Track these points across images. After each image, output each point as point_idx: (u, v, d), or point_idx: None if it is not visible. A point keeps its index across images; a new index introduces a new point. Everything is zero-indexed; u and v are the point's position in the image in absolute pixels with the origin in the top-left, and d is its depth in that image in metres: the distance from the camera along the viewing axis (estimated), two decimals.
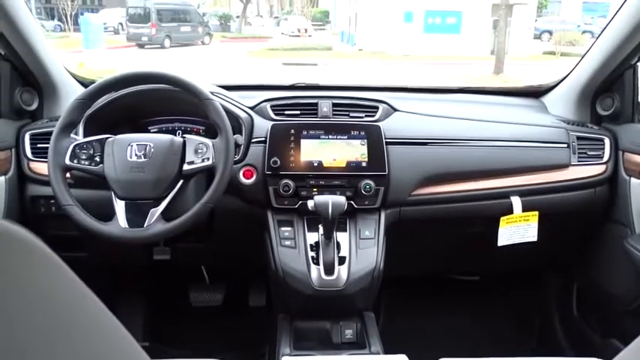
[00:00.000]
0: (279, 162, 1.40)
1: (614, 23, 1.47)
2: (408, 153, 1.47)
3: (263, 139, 1.44)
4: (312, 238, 1.38)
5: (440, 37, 16.02)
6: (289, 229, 1.40)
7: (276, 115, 1.50)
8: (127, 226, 1.22)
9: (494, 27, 14.46)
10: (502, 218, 1.50)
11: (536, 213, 1.51)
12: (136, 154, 1.24)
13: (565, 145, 1.54)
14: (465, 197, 1.50)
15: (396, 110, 1.56)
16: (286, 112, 1.52)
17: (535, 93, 1.83)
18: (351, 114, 1.52)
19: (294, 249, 1.37)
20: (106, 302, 0.39)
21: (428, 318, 2.00)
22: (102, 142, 1.26)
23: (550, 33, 18.66)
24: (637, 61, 1.52)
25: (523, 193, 1.50)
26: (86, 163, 1.24)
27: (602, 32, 1.54)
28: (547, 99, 1.78)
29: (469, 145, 1.51)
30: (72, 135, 1.28)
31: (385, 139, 1.45)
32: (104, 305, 0.39)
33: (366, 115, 1.52)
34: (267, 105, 1.52)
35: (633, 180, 1.50)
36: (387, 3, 16.36)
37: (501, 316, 2.05)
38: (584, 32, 16.97)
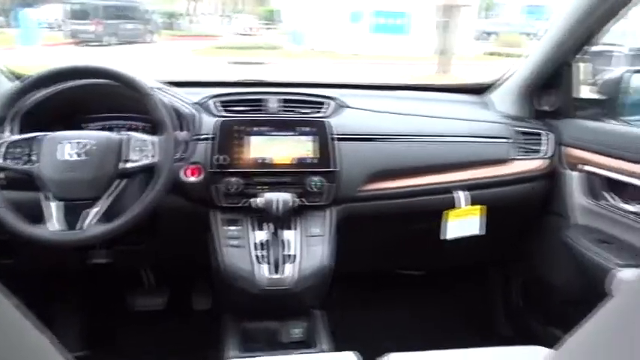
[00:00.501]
0: (225, 159, 1.36)
1: (553, 25, 1.53)
2: (357, 149, 1.47)
3: (209, 135, 1.40)
4: (260, 236, 1.35)
5: (388, 37, 16.26)
6: (235, 228, 1.37)
7: (222, 111, 1.47)
8: (61, 228, 1.15)
9: (440, 27, 14.78)
10: (447, 212, 1.52)
11: (481, 207, 1.54)
12: (70, 153, 1.17)
13: (507, 140, 1.58)
14: (412, 192, 1.52)
15: (345, 106, 1.56)
16: (233, 109, 1.48)
17: (479, 90, 1.87)
18: (301, 110, 1.51)
19: (240, 248, 1.34)
20: (38, 311, 0.36)
21: (379, 314, 2.01)
22: (34, 140, 1.19)
23: (496, 34, 19.32)
24: (574, 60, 1.58)
25: (468, 187, 1.53)
26: (17, 162, 1.17)
27: (542, 33, 1.59)
28: (491, 96, 1.82)
29: (416, 141, 1.52)
30: (4, 133, 1.20)
31: (335, 135, 1.44)
32: (29, 314, 0.36)
33: (316, 111, 1.51)
34: (214, 101, 1.49)
35: (572, 173, 1.55)
36: (336, 3, 16.45)
37: (450, 309, 2.08)
38: (526, 34, 17.61)
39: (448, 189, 1.53)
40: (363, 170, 1.46)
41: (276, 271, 1.29)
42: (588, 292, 1.39)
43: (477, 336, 2.02)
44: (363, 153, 1.48)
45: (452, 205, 1.52)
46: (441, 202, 1.52)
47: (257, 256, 1.32)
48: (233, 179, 1.36)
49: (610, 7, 1.38)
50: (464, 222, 1.54)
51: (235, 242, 1.35)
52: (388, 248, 1.77)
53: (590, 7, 1.41)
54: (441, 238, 1.54)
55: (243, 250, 1.33)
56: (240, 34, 21.02)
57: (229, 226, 1.37)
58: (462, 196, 1.52)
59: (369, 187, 1.47)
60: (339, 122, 1.48)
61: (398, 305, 2.06)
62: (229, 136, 1.40)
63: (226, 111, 1.47)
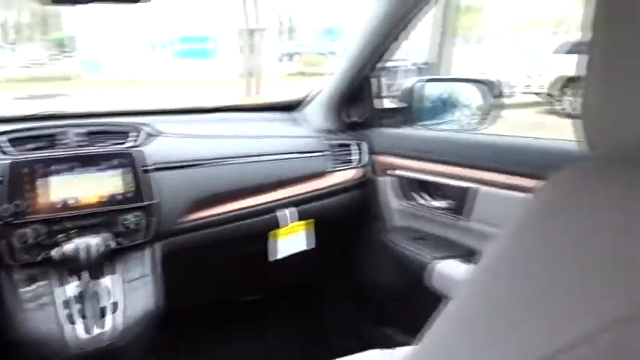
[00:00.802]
0: (17, 207, 1.16)
1: (351, 44, 1.64)
2: (174, 178, 1.38)
3: None
4: (70, 291, 1.18)
5: (194, 61, 16.12)
6: (36, 285, 1.17)
7: (10, 151, 1.26)
8: None
9: (244, 50, 15.07)
10: (273, 232, 1.53)
11: (306, 222, 1.57)
12: None
13: (322, 154, 1.64)
14: (237, 217, 1.48)
15: (157, 134, 1.45)
16: (24, 147, 1.28)
17: (290, 107, 1.90)
18: (107, 142, 1.36)
19: (44, 309, 1.15)
20: None
21: (221, 348, 1.92)
22: None
23: (299, 55, 20.41)
24: (372, 75, 1.70)
25: (290, 204, 1.55)
26: None
27: (342, 52, 1.70)
28: (302, 112, 1.87)
29: (234, 164, 1.49)
30: None
31: (148, 165, 1.33)
32: None
33: (125, 142, 1.38)
34: None
35: (384, 179, 1.66)
36: (135, 29, 15.79)
37: (290, 329, 2.07)
38: (324, 54, 18.83)
39: (272, 208, 1.52)
40: (183, 200, 1.38)
41: (94, 327, 1.14)
42: (411, 287, 1.49)
43: (319, 351, 2.04)
44: (182, 181, 1.39)
45: (277, 224, 1.52)
46: (266, 223, 1.51)
47: (67, 315, 1.14)
48: (29, 229, 1.16)
49: (391, 29, 1.52)
50: (291, 239, 1.56)
51: (37, 303, 1.15)
52: (221, 277, 1.70)
53: (376, 29, 1.54)
54: (271, 258, 1.52)
55: (49, 311, 1.14)
56: (28, 66, 18.88)
57: (28, 285, 1.16)
58: (286, 214, 1.53)
59: (191, 217, 1.39)
60: (153, 151, 1.37)
61: (239, 335, 1.99)
62: (21, 180, 1.19)
63: (16, 150, 1.26)
